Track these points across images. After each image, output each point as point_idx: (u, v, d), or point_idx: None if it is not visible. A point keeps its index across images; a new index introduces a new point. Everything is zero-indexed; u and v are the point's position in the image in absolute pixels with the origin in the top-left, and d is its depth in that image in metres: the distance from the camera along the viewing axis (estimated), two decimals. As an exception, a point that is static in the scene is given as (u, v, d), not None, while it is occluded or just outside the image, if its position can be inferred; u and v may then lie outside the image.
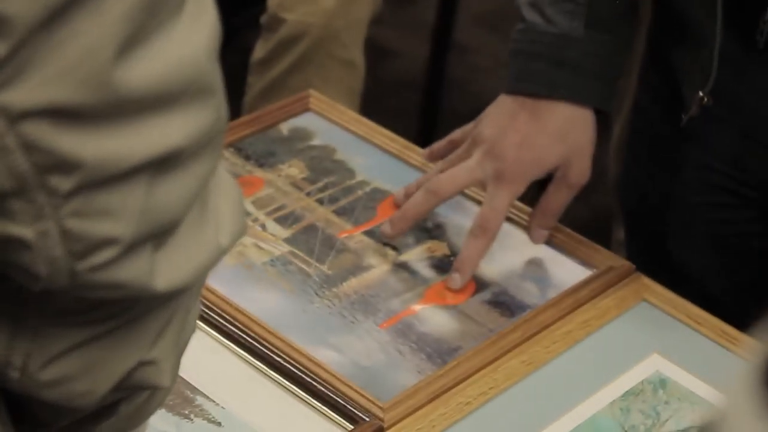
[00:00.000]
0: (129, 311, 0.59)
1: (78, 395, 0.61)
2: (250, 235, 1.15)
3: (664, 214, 1.27)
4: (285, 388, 1.01)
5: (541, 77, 1.12)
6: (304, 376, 1.00)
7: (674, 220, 1.27)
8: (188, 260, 0.58)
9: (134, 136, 0.53)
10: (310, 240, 1.15)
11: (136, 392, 0.64)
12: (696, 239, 1.26)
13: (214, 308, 1.06)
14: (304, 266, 1.12)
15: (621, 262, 1.14)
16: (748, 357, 0.45)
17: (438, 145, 1.21)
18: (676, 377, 1.04)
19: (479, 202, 1.19)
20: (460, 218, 1.19)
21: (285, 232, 1.16)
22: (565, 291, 1.10)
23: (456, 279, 1.10)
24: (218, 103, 0.57)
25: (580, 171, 1.13)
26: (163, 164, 0.55)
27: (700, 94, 1.15)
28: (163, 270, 0.57)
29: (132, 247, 0.55)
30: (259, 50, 2.03)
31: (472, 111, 3.00)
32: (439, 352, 1.04)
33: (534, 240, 1.16)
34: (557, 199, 1.14)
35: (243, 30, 2.85)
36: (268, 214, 1.18)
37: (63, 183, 0.52)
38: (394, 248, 1.15)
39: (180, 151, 0.55)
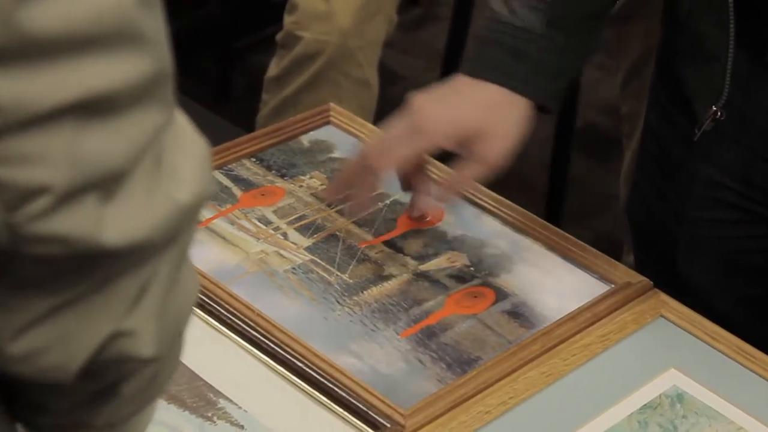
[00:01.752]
0: (91, 275, 0.58)
1: (51, 368, 0.60)
2: (272, 243, 1.16)
3: (673, 230, 1.29)
4: (307, 393, 1.01)
5: (497, 65, 1.13)
6: (326, 381, 1.01)
7: (683, 237, 1.28)
8: (142, 215, 0.57)
9: (50, 78, 0.53)
10: (331, 249, 1.16)
11: (120, 366, 0.63)
12: (704, 256, 1.27)
13: (237, 314, 1.06)
14: (325, 274, 1.13)
15: (639, 278, 1.15)
16: None
17: (332, 184, 1.22)
18: (693, 392, 1.05)
19: (498, 216, 1.21)
20: (479, 231, 1.20)
21: (306, 241, 1.17)
22: (584, 305, 1.11)
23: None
24: (155, 52, 0.56)
25: (496, 150, 1.11)
26: (89, 109, 0.54)
27: (714, 108, 1.17)
28: (113, 224, 0.56)
29: (69, 196, 0.55)
30: (274, 68, 2.04)
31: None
32: (459, 361, 1.05)
33: (418, 203, 1.17)
34: (465, 173, 1.13)
35: (251, 53, 2.88)
36: (290, 223, 1.19)
37: None
38: (415, 258, 1.16)
39: (109, 96, 0.54)
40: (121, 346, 0.61)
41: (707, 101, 1.18)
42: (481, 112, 1.12)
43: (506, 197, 1.24)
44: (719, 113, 1.17)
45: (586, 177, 2.67)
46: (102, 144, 0.55)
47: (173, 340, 0.65)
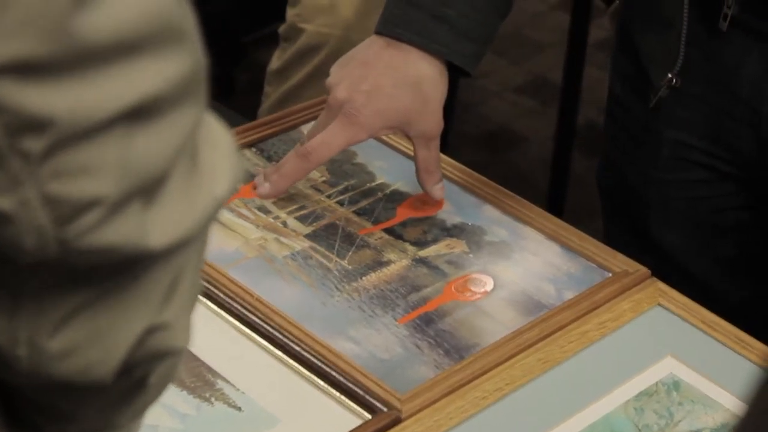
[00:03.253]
0: (129, 270, 0.57)
1: (92, 364, 0.58)
2: (271, 229, 1.17)
3: (644, 195, 1.30)
4: (304, 377, 1.02)
5: (418, 27, 1.15)
6: (323, 366, 1.01)
7: (654, 201, 1.30)
8: (183, 215, 0.56)
9: (104, 86, 0.51)
10: (330, 236, 1.17)
11: (157, 361, 0.61)
12: (677, 218, 1.29)
13: (236, 298, 1.07)
14: (324, 261, 1.14)
15: (637, 267, 1.15)
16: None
17: (274, 179, 1.21)
18: (689, 380, 1.06)
19: (498, 205, 1.21)
20: (478, 219, 1.20)
21: (306, 229, 1.18)
22: (582, 293, 1.12)
23: (265, 187, 1.17)
24: (192, 48, 0.55)
25: (433, 124, 1.17)
26: (139, 114, 0.52)
27: (669, 75, 1.19)
28: (156, 227, 0.55)
29: (118, 206, 0.53)
30: (276, 60, 2.04)
31: (481, 132, 3.04)
32: (456, 348, 1.06)
33: (436, 196, 1.19)
34: (428, 156, 1.18)
35: (253, 49, 2.89)
36: (289, 213, 1.20)
37: (35, 144, 0.50)
38: (414, 244, 1.16)
39: (156, 99, 0.53)
40: (158, 340, 0.59)
41: (663, 68, 1.20)
42: (408, 96, 1.15)
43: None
44: (674, 80, 1.19)
45: (587, 176, 2.67)
46: (148, 148, 0.53)
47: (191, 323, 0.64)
